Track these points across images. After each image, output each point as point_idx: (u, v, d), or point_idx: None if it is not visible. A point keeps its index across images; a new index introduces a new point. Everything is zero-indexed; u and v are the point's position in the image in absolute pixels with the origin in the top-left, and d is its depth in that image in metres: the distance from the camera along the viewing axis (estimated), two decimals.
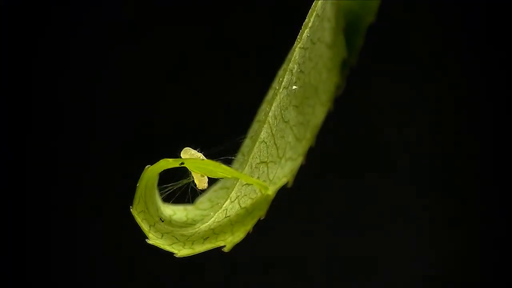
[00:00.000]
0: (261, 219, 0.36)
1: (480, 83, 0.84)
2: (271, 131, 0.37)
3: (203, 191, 0.39)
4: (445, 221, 0.85)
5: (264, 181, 0.37)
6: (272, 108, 0.37)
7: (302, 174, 0.39)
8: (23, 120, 0.84)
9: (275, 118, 0.37)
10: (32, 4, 0.82)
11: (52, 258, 0.85)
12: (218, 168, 0.35)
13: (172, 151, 0.40)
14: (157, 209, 0.37)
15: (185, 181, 0.37)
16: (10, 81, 0.83)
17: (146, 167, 0.35)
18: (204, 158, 0.37)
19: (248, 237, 0.36)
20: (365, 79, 0.80)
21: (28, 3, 0.82)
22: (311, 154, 0.39)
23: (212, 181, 0.39)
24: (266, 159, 0.37)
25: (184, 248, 0.36)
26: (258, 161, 0.37)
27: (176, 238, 0.36)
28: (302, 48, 0.37)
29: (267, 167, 0.37)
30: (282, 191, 0.38)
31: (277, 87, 0.37)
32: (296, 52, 0.37)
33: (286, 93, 0.37)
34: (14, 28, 0.82)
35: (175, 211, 0.38)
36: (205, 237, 0.36)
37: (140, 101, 0.85)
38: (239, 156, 0.41)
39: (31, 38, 0.83)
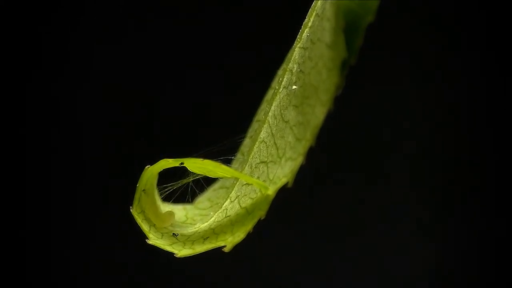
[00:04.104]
0: (261, 219, 0.36)
1: (481, 83, 0.84)
2: (271, 131, 0.37)
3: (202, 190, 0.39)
4: (444, 222, 0.85)
5: (264, 181, 0.37)
6: (272, 107, 0.37)
7: (302, 174, 0.39)
8: (23, 120, 0.84)
9: (275, 118, 0.37)
10: (31, 4, 0.82)
11: (52, 259, 0.85)
12: (217, 168, 0.35)
13: (172, 151, 0.40)
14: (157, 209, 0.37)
15: (185, 181, 0.37)
16: (9, 80, 0.83)
17: (146, 167, 0.35)
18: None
19: (248, 237, 0.36)
20: (365, 79, 0.80)
21: (28, 3, 0.82)
22: (311, 154, 0.39)
23: (211, 181, 0.39)
24: (266, 159, 0.37)
25: (184, 248, 0.36)
26: (258, 161, 0.37)
27: (176, 238, 0.36)
28: (302, 48, 0.37)
29: (267, 167, 0.37)
30: (282, 191, 0.38)
31: (277, 87, 0.37)
32: (296, 52, 0.37)
33: (286, 92, 0.37)
34: (13, 28, 0.82)
35: (174, 211, 0.38)
36: (205, 237, 0.36)
37: (140, 101, 0.85)
38: (239, 156, 0.41)
39: (30, 38, 0.83)
